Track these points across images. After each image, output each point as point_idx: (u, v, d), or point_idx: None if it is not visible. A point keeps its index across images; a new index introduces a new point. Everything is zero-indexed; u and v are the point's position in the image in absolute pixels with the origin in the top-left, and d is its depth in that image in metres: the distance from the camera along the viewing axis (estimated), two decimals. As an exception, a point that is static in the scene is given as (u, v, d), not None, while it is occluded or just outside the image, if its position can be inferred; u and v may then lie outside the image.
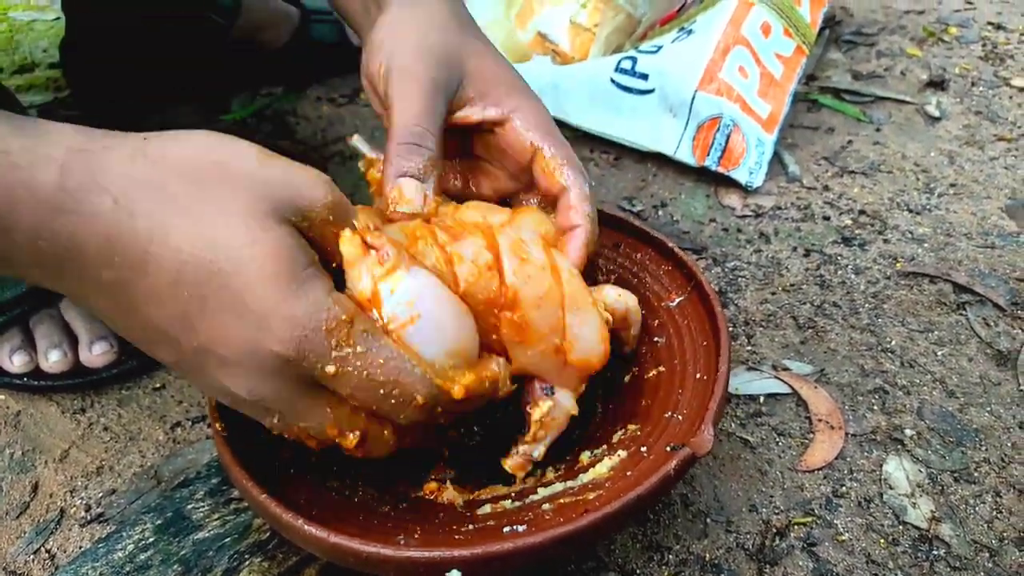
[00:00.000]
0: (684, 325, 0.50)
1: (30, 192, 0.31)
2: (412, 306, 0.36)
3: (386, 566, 0.37)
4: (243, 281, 0.32)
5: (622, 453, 0.44)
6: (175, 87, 0.92)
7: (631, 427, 0.47)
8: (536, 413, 0.44)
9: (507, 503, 0.43)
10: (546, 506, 0.41)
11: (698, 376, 0.47)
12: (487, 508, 0.43)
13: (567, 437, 0.47)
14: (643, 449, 0.44)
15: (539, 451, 0.45)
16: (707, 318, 0.49)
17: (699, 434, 0.40)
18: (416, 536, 0.40)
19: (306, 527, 0.37)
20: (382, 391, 0.35)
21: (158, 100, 0.91)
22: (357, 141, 0.51)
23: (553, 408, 0.44)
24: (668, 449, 0.42)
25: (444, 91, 0.46)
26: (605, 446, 0.47)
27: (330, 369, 0.34)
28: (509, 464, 0.45)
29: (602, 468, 0.44)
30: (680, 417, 0.45)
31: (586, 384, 0.45)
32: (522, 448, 0.45)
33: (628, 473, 0.42)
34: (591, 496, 0.41)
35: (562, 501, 0.41)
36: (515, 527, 0.39)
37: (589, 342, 0.43)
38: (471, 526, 0.41)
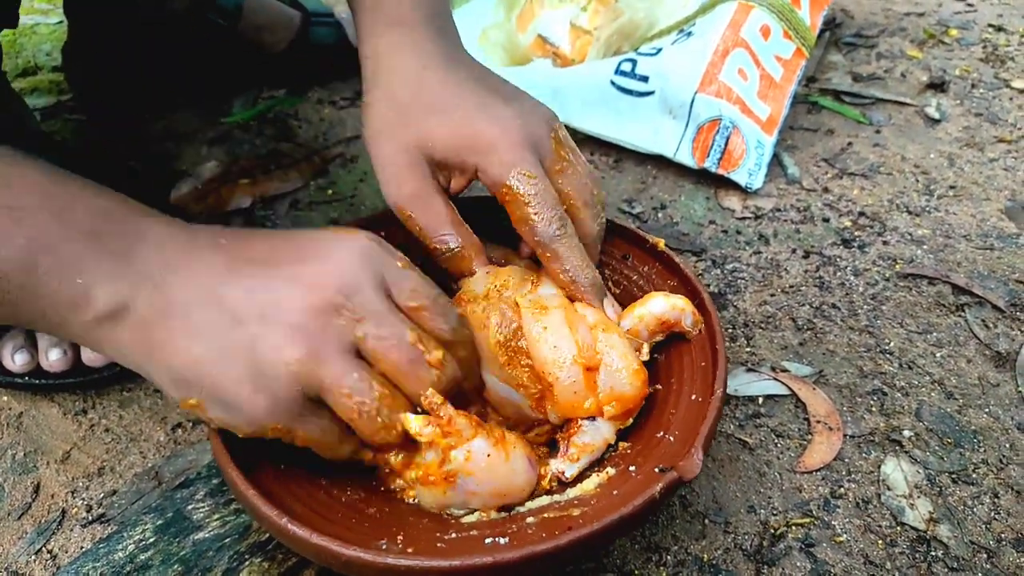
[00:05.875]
0: (684, 343, 0.50)
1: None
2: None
3: (366, 570, 0.37)
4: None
5: (611, 470, 0.44)
6: (177, 90, 0.92)
7: (622, 444, 0.47)
8: (577, 437, 0.45)
9: (492, 512, 0.43)
10: (530, 519, 0.41)
11: (693, 397, 0.46)
12: (472, 516, 0.43)
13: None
14: (632, 468, 0.44)
15: (572, 471, 0.45)
16: (707, 338, 0.49)
17: (688, 458, 0.40)
18: (398, 541, 0.40)
19: (289, 526, 0.37)
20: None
21: (160, 103, 0.92)
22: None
23: (593, 434, 0.45)
24: (657, 470, 0.42)
25: (438, 188, 0.49)
26: None
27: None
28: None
29: (589, 484, 0.44)
30: (672, 438, 0.44)
31: (633, 417, 0.47)
32: (554, 464, 0.45)
33: (615, 492, 0.42)
34: (575, 512, 0.41)
35: (546, 515, 0.41)
36: (497, 539, 0.39)
37: (622, 384, 0.45)
38: (454, 534, 0.41)
